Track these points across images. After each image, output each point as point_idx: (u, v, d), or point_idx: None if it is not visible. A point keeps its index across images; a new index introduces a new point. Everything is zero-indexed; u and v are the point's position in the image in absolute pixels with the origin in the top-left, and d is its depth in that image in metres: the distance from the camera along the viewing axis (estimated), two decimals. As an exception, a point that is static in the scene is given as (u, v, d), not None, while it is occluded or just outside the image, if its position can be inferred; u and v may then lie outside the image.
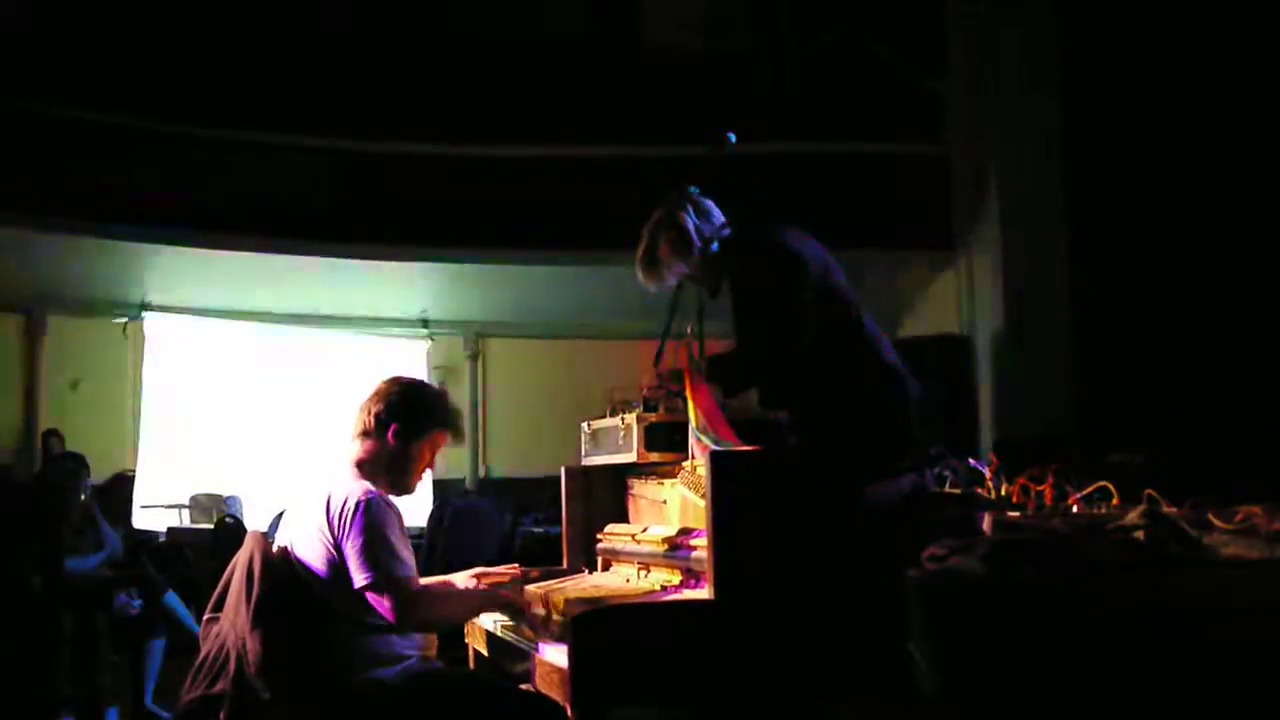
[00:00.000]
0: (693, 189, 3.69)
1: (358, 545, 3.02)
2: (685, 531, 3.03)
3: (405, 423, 3.25)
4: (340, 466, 3.26)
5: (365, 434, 3.26)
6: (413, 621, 3.06)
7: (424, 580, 3.32)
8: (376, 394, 3.29)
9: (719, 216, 3.67)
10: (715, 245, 3.61)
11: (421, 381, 3.41)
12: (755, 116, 10.04)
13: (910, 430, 3.51)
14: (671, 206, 3.64)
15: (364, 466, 3.23)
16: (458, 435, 3.42)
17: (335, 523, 3.07)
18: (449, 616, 3.29)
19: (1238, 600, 2.14)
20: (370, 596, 3.01)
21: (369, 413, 3.26)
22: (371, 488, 3.14)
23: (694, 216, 3.61)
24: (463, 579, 3.51)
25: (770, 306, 3.44)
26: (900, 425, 3.48)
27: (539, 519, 8.84)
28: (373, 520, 3.05)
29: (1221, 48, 8.37)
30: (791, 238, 3.57)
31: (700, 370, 3.30)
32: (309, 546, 3.10)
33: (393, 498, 3.22)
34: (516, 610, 3.34)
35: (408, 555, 3.11)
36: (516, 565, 3.60)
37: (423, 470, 3.32)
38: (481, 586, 3.44)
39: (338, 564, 3.05)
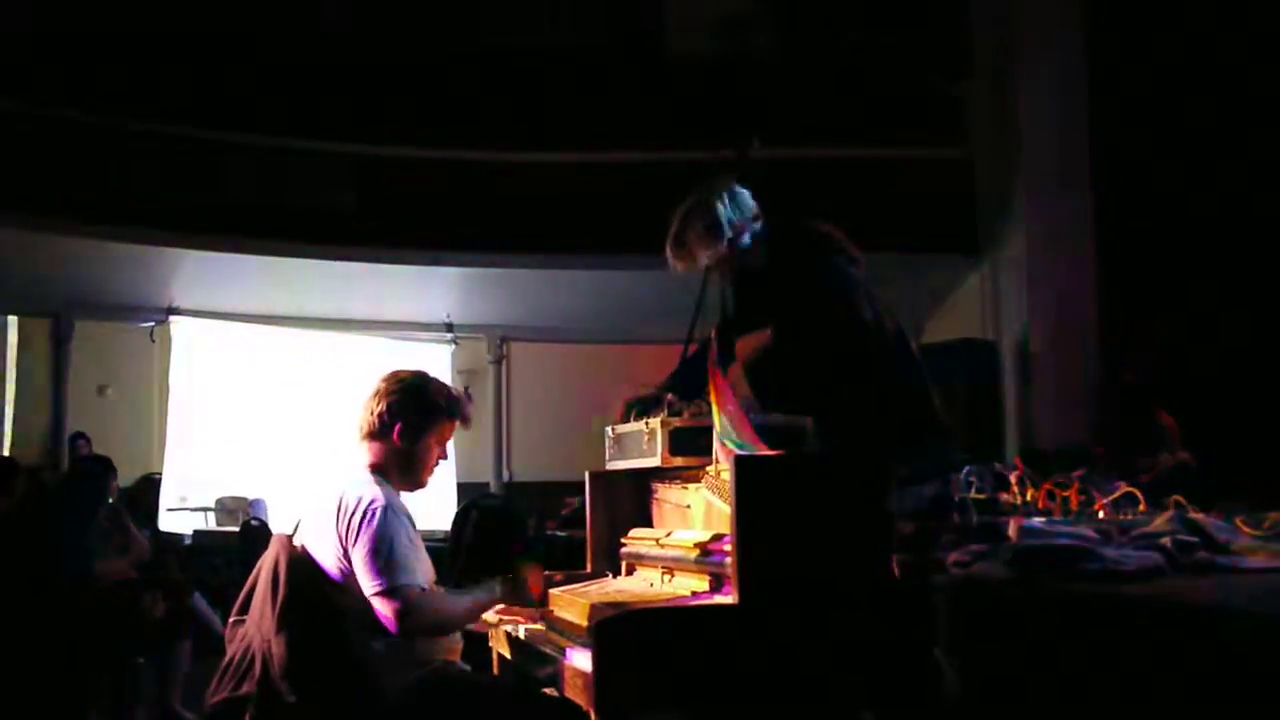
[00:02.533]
0: (730, 178, 3.68)
1: (364, 554, 3.02)
2: (718, 537, 3.02)
3: (409, 421, 3.22)
4: (353, 469, 3.25)
5: (371, 436, 3.25)
6: (413, 629, 3.04)
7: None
8: (377, 394, 3.26)
9: (752, 208, 3.66)
10: (747, 238, 3.61)
11: (421, 375, 3.34)
12: (779, 121, 10.03)
13: (937, 435, 3.50)
14: (707, 193, 3.63)
15: (376, 469, 3.23)
16: (465, 423, 3.37)
17: (344, 528, 3.07)
18: (454, 618, 3.24)
19: (1264, 606, 2.13)
20: (375, 605, 3.01)
21: (372, 413, 3.23)
22: (380, 493, 3.12)
23: (728, 207, 3.61)
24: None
25: (827, 308, 3.45)
26: (927, 430, 3.48)
27: (563, 523, 8.84)
28: (380, 529, 3.03)
29: (1251, 51, 8.33)
30: (833, 233, 3.59)
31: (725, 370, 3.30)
32: (322, 550, 3.11)
33: (406, 501, 3.22)
34: (524, 593, 3.33)
35: (416, 563, 3.09)
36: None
37: (434, 464, 3.30)
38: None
39: (347, 570, 3.06)
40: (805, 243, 3.60)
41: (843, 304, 3.46)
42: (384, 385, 3.28)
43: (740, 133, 3.83)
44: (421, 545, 3.19)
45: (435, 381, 3.36)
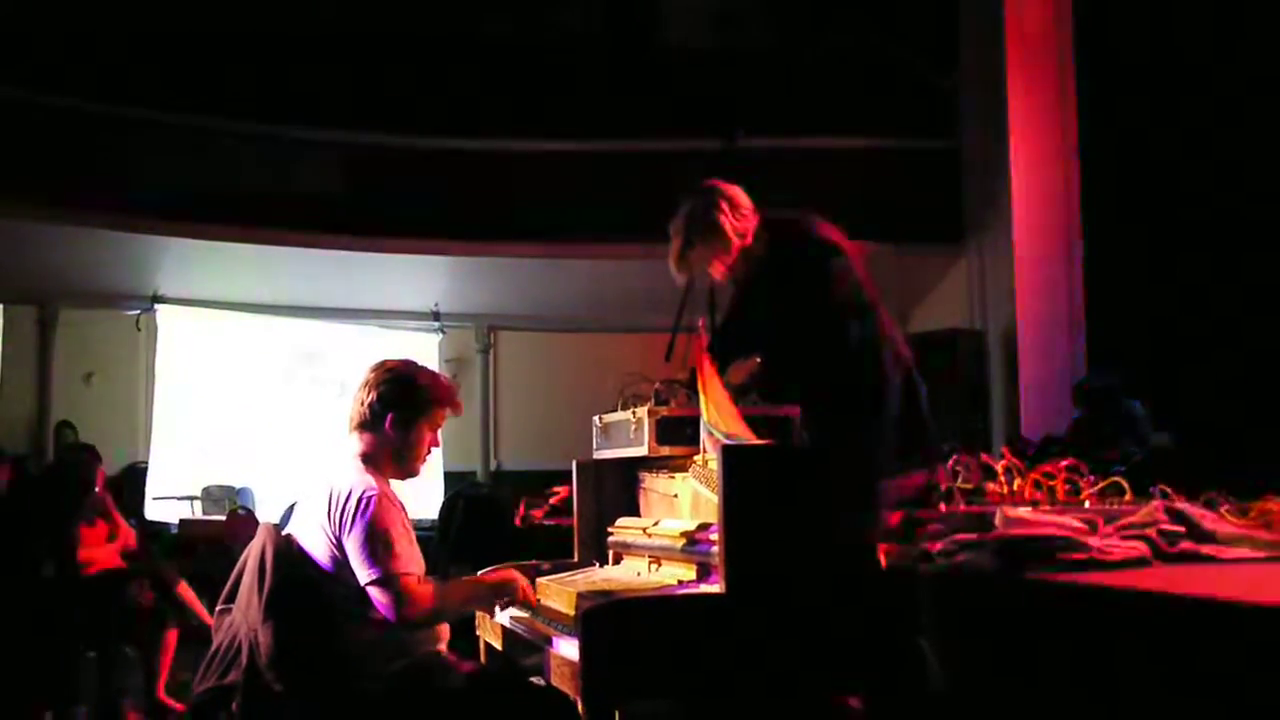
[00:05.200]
0: (721, 183, 3.67)
1: (359, 543, 3.02)
2: (704, 526, 3.03)
3: (400, 410, 3.22)
4: (344, 460, 3.25)
5: (363, 426, 3.24)
6: (412, 618, 3.04)
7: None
8: (366, 384, 3.25)
9: (748, 204, 3.67)
10: (750, 237, 3.62)
11: (410, 364, 3.34)
12: (768, 112, 10.03)
13: (924, 425, 3.52)
14: (708, 206, 3.62)
15: (367, 459, 3.22)
16: (455, 410, 3.37)
17: (336, 518, 3.06)
18: (450, 608, 3.24)
19: (1248, 596, 2.13)
20: (371, 593, 3.01)
21: (363, 404, 3.23)
22: (373, 482, 3.12)
23: (730, 216, 3.61)
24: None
25: (826, 303, 3.47)
26: (914, 420, 3.49)
27: (549, 511, 8.82)
28: (373, 518, 3.03)
29: (1236, 41, 8.33)
30: (829, 230, 3.59)
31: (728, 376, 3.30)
32: (313, 540, 3.10)
33: (396, 491, 3.22)
34: (513, 593, 3.32)
35: (410, 551, 3.10)
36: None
37: (427, 452, 3.30)
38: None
39: (340, 560, 3.05)
40: (806, 246, 3.60)
41: (839, 309, 3.48)
42: (373, 375, 3.27)
43: (729, 123, 3.82)
44: (413, 535, 3.19)
45: (424, 370, 3.36)
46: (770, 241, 3.63)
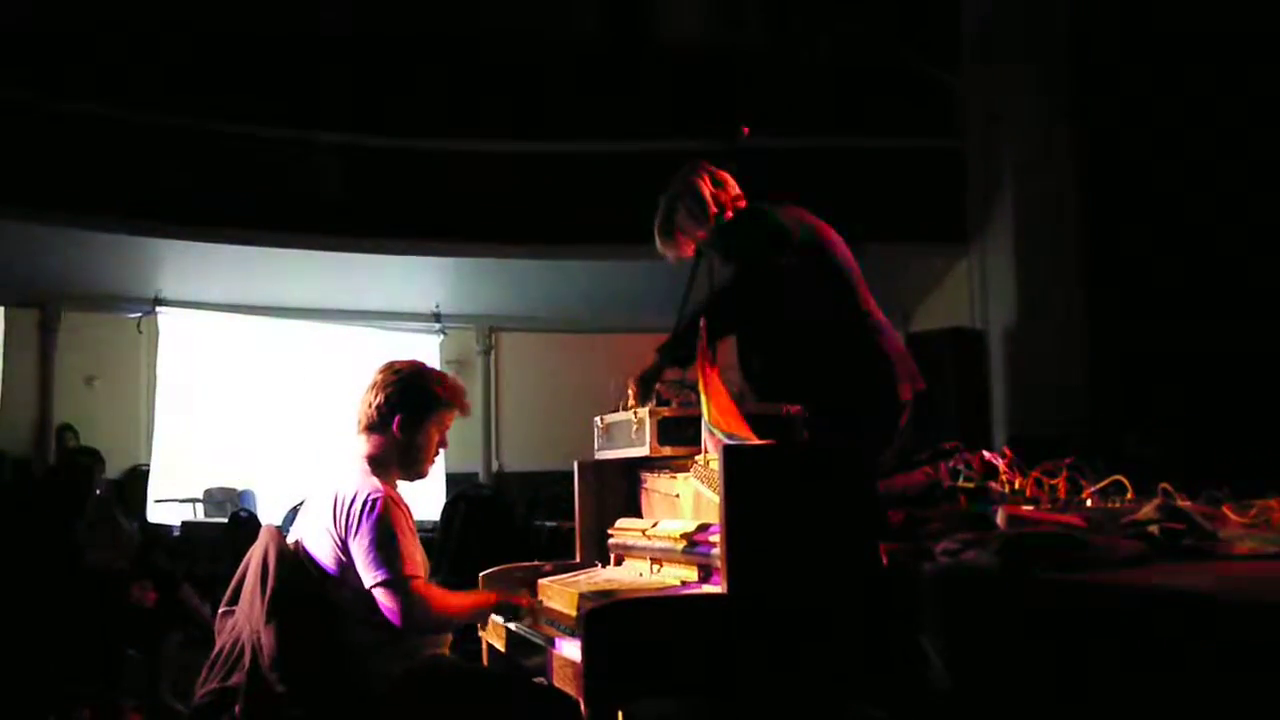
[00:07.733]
0: (709, 160, 3.76)
1: (365, 545, 3.01)
2: (704, 527, 3.02)
3: (408, 411, 3.21)
4: (350, 462, 3.24)
5: (370, 428, 3.24)
6: (418, 623, 3.04)
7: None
8: (374, 385, 3.25)
9: (735, 186, 3.75)
10: (728, 214, 3.69)
11: (418, 365, 3.33)
12: (769, 112, 10.03)
13: (925, 423, 3.53)
14: (690, 172, 3.72)
15: (374, 461, 3.21)
16: (464, 410, 3.36)
17: (341, 521, 3.05)
18: (455, 617, 3.24)
19: (1250, 595, 2.14)
20: (377, 596, 3.01)
21: (370, 406, 3.22)
22: (379, 485, 3.11)
23: (710, 185, 3.69)
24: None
25: (745, 267, 3.52)
26: (915, 419, 3.50)
27: (551, 513, 8.85)
28: (380, 520, 3.02)
29: (1233, 46, 8.33)
30: (784, 212, 3.64)
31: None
32: (318, 543, 3.10)
33: (402, 493, 3.21)
34: (519, 610, 3.31)
35: (415, 555, 3.09)
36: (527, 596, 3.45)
37: (434, 453, 3.29)
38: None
39: (345, 563, 3.05)
40: (746, 218, 3.67)
41: (760, 277, 3.52)
42: (381, 377, 3.27)
43: (729, 123, 3.87)
44: (418, 538, 3.18)
45: (432, 370, 3.34)
46: (736, 221, 3.72)
